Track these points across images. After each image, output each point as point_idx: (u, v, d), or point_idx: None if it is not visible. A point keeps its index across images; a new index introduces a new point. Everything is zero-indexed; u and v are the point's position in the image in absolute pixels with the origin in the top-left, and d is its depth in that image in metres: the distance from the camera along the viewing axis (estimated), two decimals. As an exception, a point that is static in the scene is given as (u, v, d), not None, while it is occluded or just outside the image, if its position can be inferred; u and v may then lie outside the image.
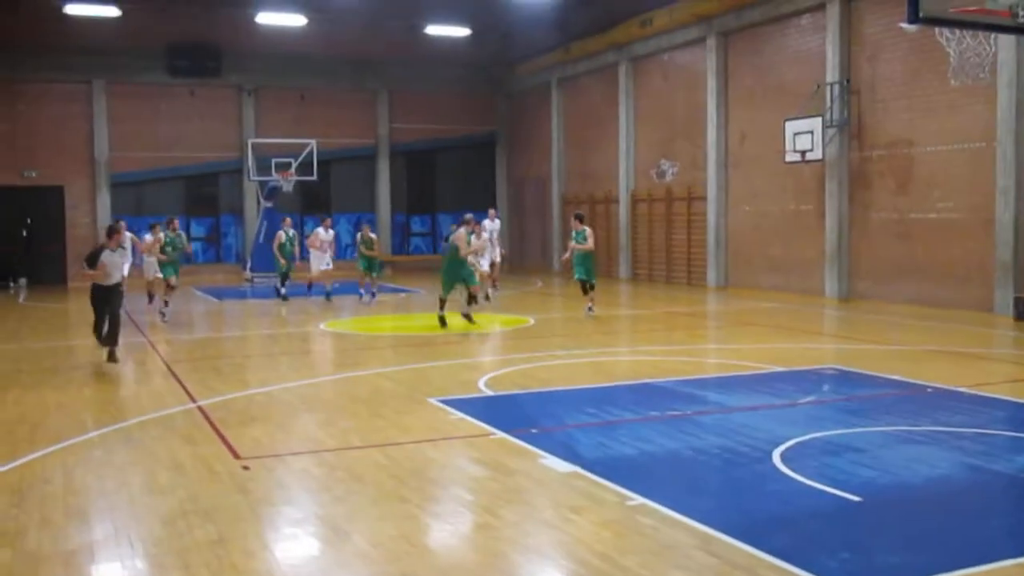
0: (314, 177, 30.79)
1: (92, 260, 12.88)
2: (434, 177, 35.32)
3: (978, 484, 6.96)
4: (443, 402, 9.97)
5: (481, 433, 8.65)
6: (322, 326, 17.46)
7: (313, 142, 30.69)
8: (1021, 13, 8.03)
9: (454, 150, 35.26)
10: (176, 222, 20.49)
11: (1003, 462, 7.50)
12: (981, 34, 9.04)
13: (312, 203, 33.01)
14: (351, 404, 10.20)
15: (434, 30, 28.22)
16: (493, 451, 8.04)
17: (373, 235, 22.44)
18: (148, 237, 20.40)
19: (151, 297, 21.05)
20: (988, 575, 5.13)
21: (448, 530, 6.28)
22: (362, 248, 21.94)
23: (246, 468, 7.52)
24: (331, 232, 23.17)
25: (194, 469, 7.59)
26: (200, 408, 9.96)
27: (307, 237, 24.26)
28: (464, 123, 34.93)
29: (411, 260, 34.20)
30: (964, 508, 6.46)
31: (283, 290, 22.52)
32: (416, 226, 35.53)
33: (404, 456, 7.94)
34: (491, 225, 23.36)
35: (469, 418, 9.21)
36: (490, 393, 10.65)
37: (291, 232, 22.82)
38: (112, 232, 13.27)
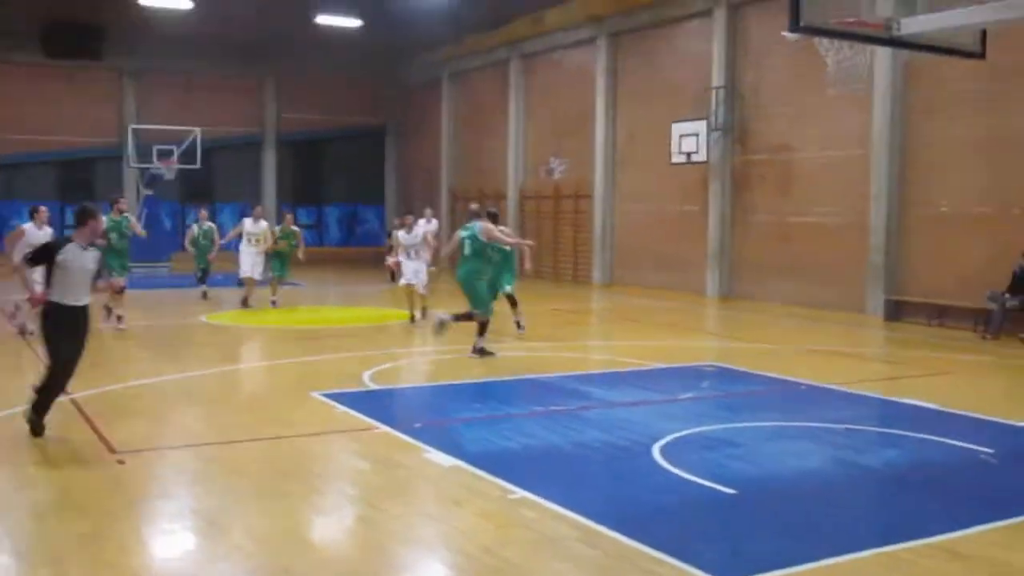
0: (197, 165, 30.09)
1: (42, 257, 7.93)
2: (322, 168, 34.94)
3: (847, 477, 7.26)
4: (327, 396, 9.88)
5: (365, 427, 8.61)
6: (204, 318, 17.09)
7: (197, 130, 29.98)
8: (895, 27, 8.36)
9: (343, 140, 34.95)
10: (122, 202, 16.52)
11: (871, 456, 7.84)
12: (858, 45, 9.43)
13: (194, 192, 32.25)
14: (233, 398, 10.03)
15: (325, 19, 27.83)
16: (377, 445, 8.02)
17: (296, 228, 19.86)
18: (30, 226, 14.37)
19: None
20: (854, 563, 5.35)
21: (330, 523, 6.24)
22: (281, 243, 19.13)
23: (121, 462, 7.33)
24: (262, 224, 19.39)
25: (67, 463, 7.36)
26: (73, 400, 9.64)
27: (231, 229, 20.92)
28: (354, 114, 34.64)
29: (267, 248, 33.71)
30: (834, 500, 6.73)
31: (204, 288, 20.55)
32: (302, 217, 35.01)
33: (286, 450, 7.86)
34: (426, 226, 22.14)
35: (353, 412, 9.15)
36: (375, 387, 10.60)
37: (207, 225, 20.99)
38: (85, 217, 8.07)
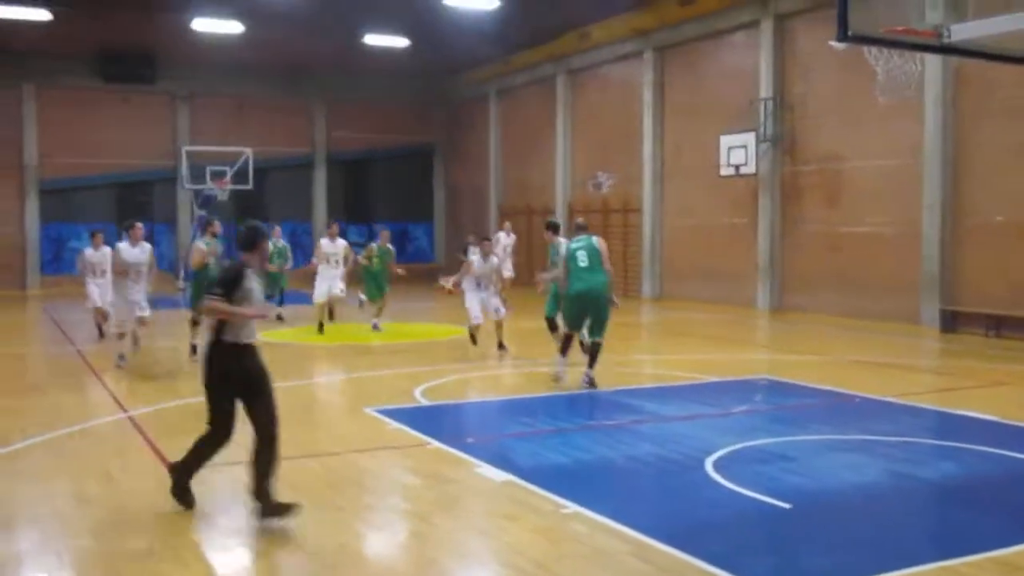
0: (249, 186, 30.50)
1: (233, 283, 6.55)
2: (371, 186, 35.23)
3: (903, 490, 7.15)
4: (379, 412, 9.95)
5: (417, 443, 8.65)
6: (258, 335, 17.27)
7: (248, 150, 30.40)
8: (946, 33, 8.26)
9: (392, 160, 35.22)
10: (216, 224, 14.42)
11: (928, 469, 7.71)
12: (907, 53, 9.33)
13: (247, 212, 32.62)
14: (287, 414, 10.06)
15: (373, 40, 28.12)
16: (428, 461, 8.05)
17: (391, 246, 18.73)
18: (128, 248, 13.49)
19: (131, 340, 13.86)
20: (911, 578, 5.27)
21: (383, 538, 6.28)
22: (375, 262, 18.00)
23: (178, 478, 7.42)
24: (339, 243, 18.07)
25: (124, 480, 7.48)
26: (131, 418, 9.81)
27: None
28: (402, 132, 34.91)
29: (350, 271, 34.01)
30: (890, 513, 6.63)
31: (279, 309, 19.77)
32: (353, 235, 35.34)
33: (340, 465, 7.92)
34: (505, 240, 22.02)
35: (405, 428, 9.20)
36: (426, 403, 10.65)
37: (280, 244, 20.22)
38: (256, 238, 6.79)
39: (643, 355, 15.51)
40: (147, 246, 13.75)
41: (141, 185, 31.86)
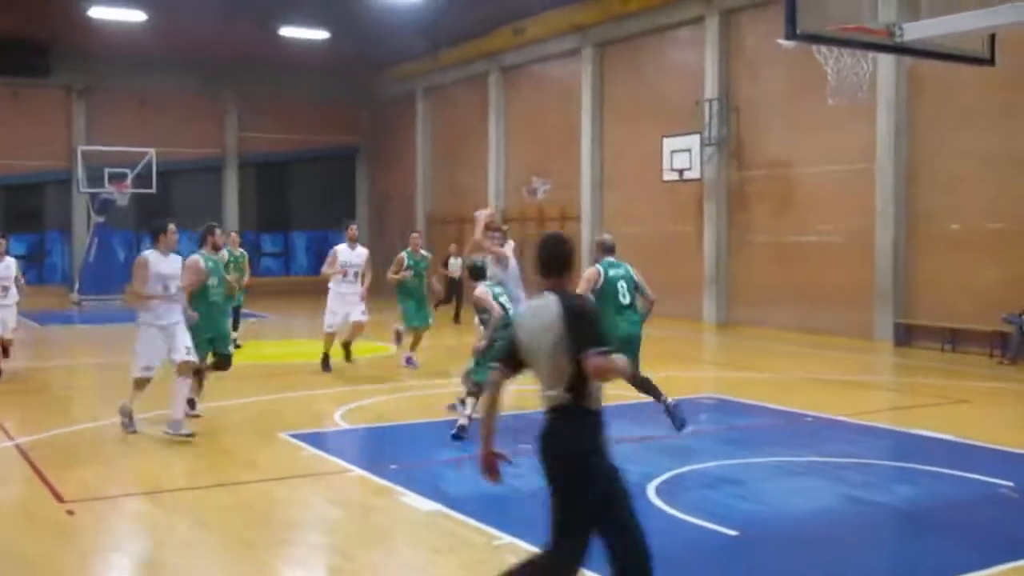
0: (152, 190, 30.01)
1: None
2: (288, 192, 34.93)
3: (857, 515, 7.25)
4: (296, 437, 9.82)
5: (337, 470, 8.56)
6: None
7: (151, 151, 29.91)
8: (898, 32, 8.43)
9: (310, 162, 34.98)
10: (227, 235, 14.64)
11: (883, 492, 7.83)
12: (859, 53, 9.50)
13: (149, 219, 32.15)
14: (193, 440, 9.94)
15: (289, 32, 27.93)
16: (350, 489, 7.97)
17: (425, 252, 15.49)
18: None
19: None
20: (866, 609, 5.34)
21: (299, 576, 6.19)
22: (406, 274, 14.89)
23: (71, 513, 7.24)
24: (361, 251, 14.99)
25: (10, 513, 7.27)
26: (18, 446, 9.55)
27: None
28: (321, 133, 34.67)
29: (262, 283, 33.64)
30: (843, 540, 6.72)
31: (234, 334, 16.08)
32: (267, 245, 35.02)
33: (251, 496, 7.79)
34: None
35: (324, 454, 9.11)
36: (347, 426, 10.55)
37: (238, 252, 17.26)
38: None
39: (582, 373, 15.53)
40: (11, 260, 13.75)
41: (32, 188, 31.19)
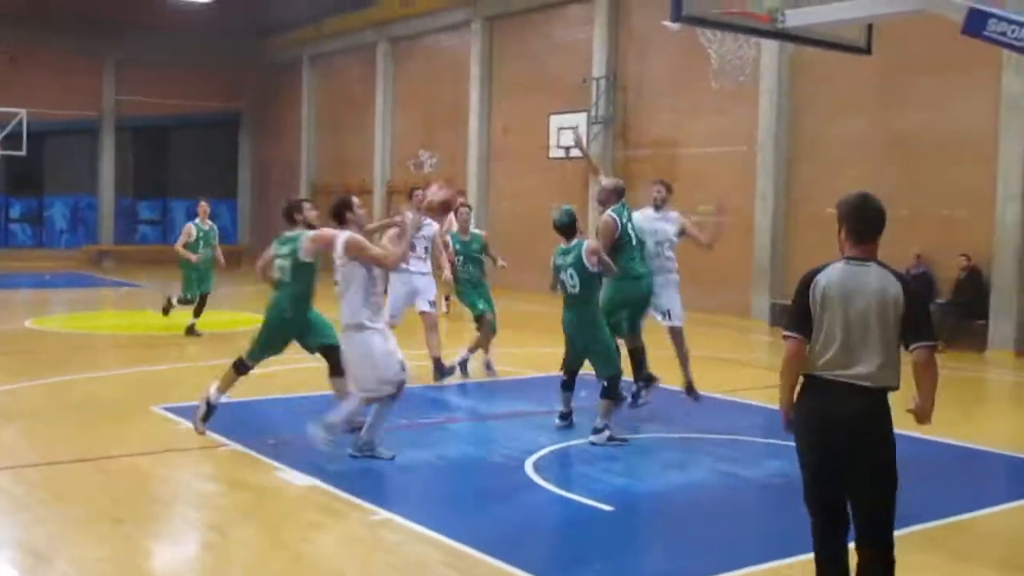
0: (23, 152, 28.88)
1: None
2: (168, 158, 34.04)
3: (730, 490, 7.44)
4: (169, 410, 9.63)
5: (212, 444, 8.41)
6: (28, 323, 16.44)
7: (23, 111, 28.76)
8: (779, 18, 8.59)
9: (192, 128, 34.13)
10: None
11: (754, 468, 8.05)
12: (741, 37, 9.70)
13: (20, 182, 31.06)
14: (59, 412, 9.66)
15: (172, -7, 27.21)
16: (224, 464, 7.85)
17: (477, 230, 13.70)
18: None
19: None
20: (734, 582, 5.49)
21: (171, 553, 6.08)
22: (450, 252, 12.88)
23: (-73, 487, 6.98)
24: (430, 224, 11.89)
25: None
26: None
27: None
28: (204, 99, 33.82)
29: (138, 251, 32.80)
30: (716, 514, 6.89)
31: (194, 321, 15.20)
32: (144, 212, 34.13)
33: (121, 471, 7.61)
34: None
35: (199, 427, 8.93)
36: (224, 400, 10.35)
37: (207, 225, 15.59)
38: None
39: (460, 348, 15.56)
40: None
41: None
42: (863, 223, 4.66)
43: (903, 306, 4.45)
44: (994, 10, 6.46)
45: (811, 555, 5.83)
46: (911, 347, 4.48)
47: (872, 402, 4.48)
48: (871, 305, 4.47)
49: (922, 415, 4.61)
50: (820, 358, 4.56)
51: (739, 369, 13.57)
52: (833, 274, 4.67)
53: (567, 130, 9.50)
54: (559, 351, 13.75)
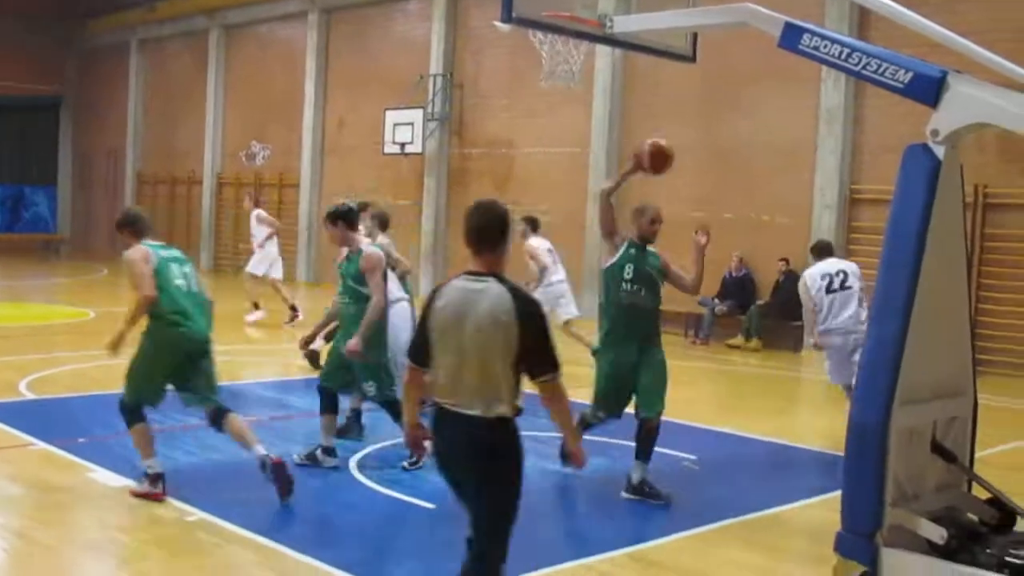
0: None
1: None
2: (-18, 141, 32.37)
3: (548, 487, 7.57)
4: (-27, 408, 9.17)
5: (18, 443, 8.06)
6: None
7: None
8: (608, 23, 8.75)
9: (8, 111, 32.48)
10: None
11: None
12: (572, 41, 9.85)
13: None
14: None
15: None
16: (31, 464, 7.54)
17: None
18: None
19: None
20: (552, 577, 5.60)
21: (-34, 557, 5.80)
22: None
23: None
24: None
25: None
26: None
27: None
28: (21, 80, 32.16)
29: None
30: (533, 511, 6.94)
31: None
32: (-44, 199, 32.37)
33: (-84, 471, 7.21)
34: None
35: (4, 426, 8.54)
36: (32, 397, 9.95)
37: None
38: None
39: (291, 344, 15.35)
40: None
41: None
42: (472, 232, 4.33)
43: (517, 331, 4.07)
44: (808, 25, 6.74)
45: (624, 550, 6.03)
46: (533, 378, 4.20)
47: (486, 434, 4.17)
48: (481, 329, 4.09)
49: (573, 456, 4.58)
50: (436, 385, 4.25)
51: (566, 369, 13.79)
52: (451, 293, 4.25)
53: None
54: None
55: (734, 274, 16.74)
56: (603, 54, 17.67)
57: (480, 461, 4.20)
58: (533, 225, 13.47)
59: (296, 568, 5.54)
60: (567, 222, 19.26)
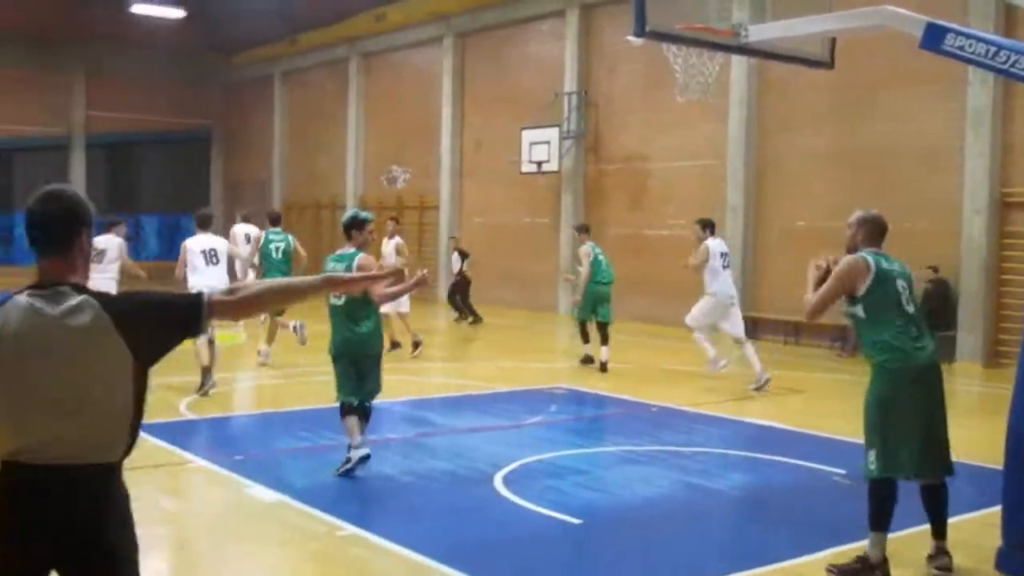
0: (-7, 169, 28.77)
1: None
2: (139, 174, 33.89)
3: (695, 503, 7.48)
4: (143, 428, 9.56)
5: (179, 461, 8.39)
6: None
7: (-8, 128, 28.65)
8: (743, 33, 8.66)
9: (163, 144, 34.00)
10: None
11: (720, 480, 8.10)
12: (707, 52, 9.79)
13: (-11, 198, 30.90)
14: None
15: (142, 8, 27.07)
16: (192, 481, 7.84)
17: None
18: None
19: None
20: (697, 593, 5.53)
21: (134, 570, 6.05)
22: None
23: None
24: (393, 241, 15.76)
25: None
26: None
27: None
28: (174, 115, 33.69)
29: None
30: (681, 527, 6.92)
31: (262, 349, 13.90)
32: (116, 228, 33.97)
33: (87, 488, 7.56)
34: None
35: (167, 445, 8.89)
36: (192, 417, 10.34)
37: (282, 239, 14.24)
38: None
39: (435, 363, 15.57)
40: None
41: None
42: (34, 229, 3.15)
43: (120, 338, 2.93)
44: (952, 25, 6.55)
45: (774, 565, 5.91)
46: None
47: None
48: (67, 359, 2.93)
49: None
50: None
51: (708, 382, 13.63)
52: (11, 314, 2.94)
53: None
54: (526, 365, 13.78)
55: (879, 283, 16.26)
56: (738, 64, 17.46)
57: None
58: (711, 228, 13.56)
59: (444, 582, 5.60)
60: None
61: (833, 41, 9.17)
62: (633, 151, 20.68)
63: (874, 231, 6.26)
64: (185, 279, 11.99)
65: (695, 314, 12.99)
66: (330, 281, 3.54)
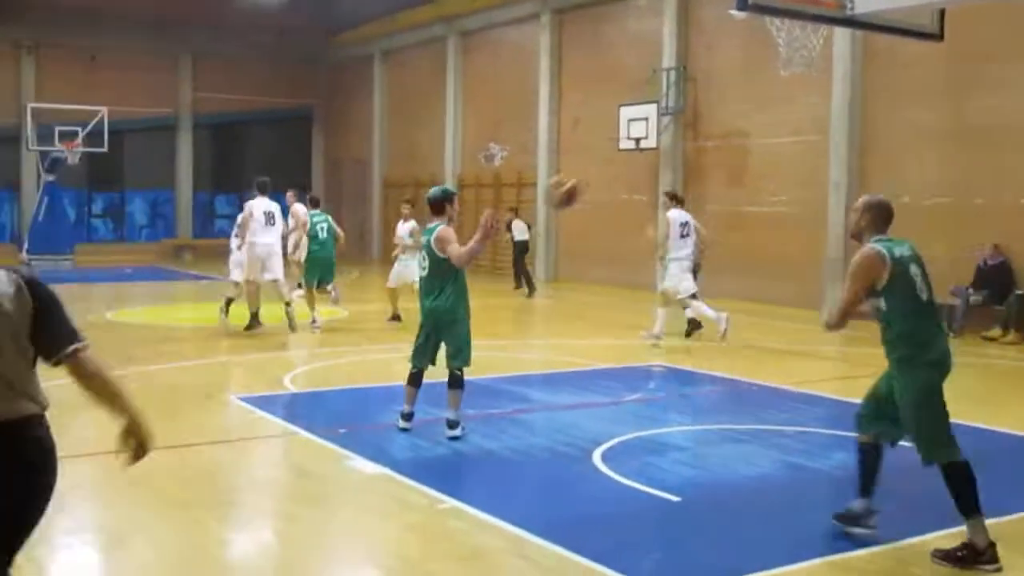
0: (104, 148, 29.62)
1: None
2: (243, 153, 34.59)
3: (796, 482, 7.39)
4: (244, 400, 9.82)
5: (284, 433, 8.58)
6: (109, 315, 16.85)
7: (103, 109, 29.50)
8: (849, 5, 8.49)
9: (266, 124, 34.68)
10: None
11: (821, 460, 7.99)
12: (810, 25, 9.58)
13: (101, 178, 31.81)
14: (141, 402, 9.87)
15: (246, -8, 27.62)
16: (295, 452, 8.00)
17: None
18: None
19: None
20: (802, 572, 5.46)
21: (243, 538, 6.22)
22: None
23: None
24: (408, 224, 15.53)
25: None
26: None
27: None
28: (278, 95, 34.33)
29: (215, 244, 33.38)
30: (782, 506, 6.85)
31: (313, 314, 14.93)
32: (221, 206, 34.73)
33: (198, 458, 7.79)
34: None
35: (271, 417, 9.12)
36: (296, 390, 10.56)
37: (323, 219, 15.68)
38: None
39: (534, 340, 15.65)
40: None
41: (-23, 145, 30.70)
42: None
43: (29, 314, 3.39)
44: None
45: (877, 548, 5.81)
46: (53, 359, 3.53)
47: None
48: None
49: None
50: None
51: (808, 361, 13.44)
52: None
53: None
54: (626, 343, 13.75)
55: (989, 262, 15.79)
56: (841, 36, 17.04)
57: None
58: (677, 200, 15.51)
59: (543, 555, 5.63)
60: (805, 211, 18.73)
61: (942, 12, 8.93)
62: (732, 127, 20.40)
63: (880, 217, 6.13)
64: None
65: (677, 286, 14.56)
66: None
